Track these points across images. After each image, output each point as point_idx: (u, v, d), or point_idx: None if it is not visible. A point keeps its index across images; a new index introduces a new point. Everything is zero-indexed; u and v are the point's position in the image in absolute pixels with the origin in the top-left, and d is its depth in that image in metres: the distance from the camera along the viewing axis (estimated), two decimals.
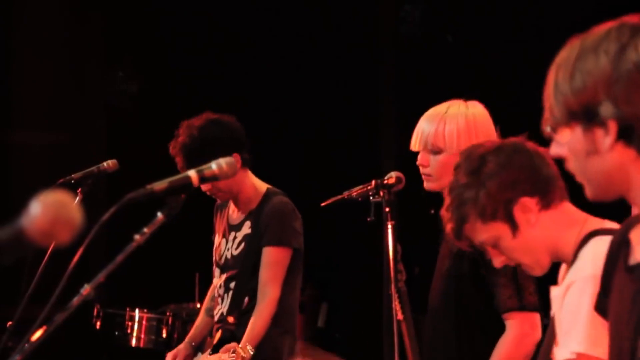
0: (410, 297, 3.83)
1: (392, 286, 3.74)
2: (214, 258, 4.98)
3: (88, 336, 7.17)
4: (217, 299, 4.89)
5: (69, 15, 7.99)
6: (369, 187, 3.87)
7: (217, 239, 4.95)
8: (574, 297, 2.54)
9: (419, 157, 3.75)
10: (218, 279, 4.90)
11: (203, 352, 4.91)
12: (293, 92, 8.52)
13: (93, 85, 7.91)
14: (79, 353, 7.69)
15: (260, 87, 8.40)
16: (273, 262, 4.72)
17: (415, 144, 3.78)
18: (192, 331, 5.03)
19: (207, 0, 8.45)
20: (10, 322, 3.93)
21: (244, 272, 4.76)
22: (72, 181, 4.52)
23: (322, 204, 4.07)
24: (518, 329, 3.55)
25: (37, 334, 2.26)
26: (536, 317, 3.59)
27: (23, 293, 3.96)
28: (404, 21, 8.56)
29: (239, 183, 4.76)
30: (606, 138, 1.95)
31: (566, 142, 2.03)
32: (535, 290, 3.59)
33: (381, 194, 3.83)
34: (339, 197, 3.99)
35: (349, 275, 8.17)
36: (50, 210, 1.60)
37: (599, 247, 2.57)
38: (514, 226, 2.72)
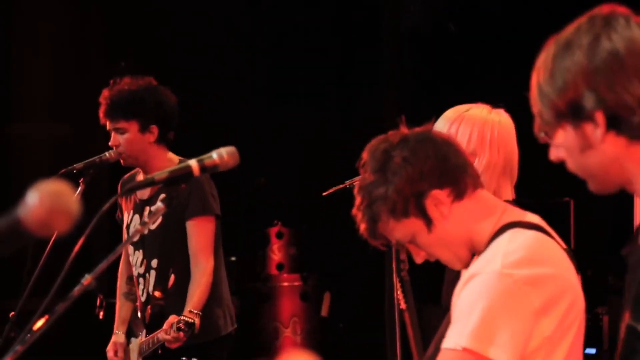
0: (413, 286, 3.83)
1: (395, 275, 3.74)
2: (124, 236, 4.95)
3: (91, 326, 7.18)
4: (136, 278, 4.84)
5: (70, 8, 7.98)
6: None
7: (127, 216, 4.89)
8: (475, 288, 2.44)
9: None
10: (133, 257, 4.85)
11: (136, 335, 4.88)
12: (295, 84, 8.51)
13: (94, 76, 7.90)
14: (82, 343, 7.69)
15: (261, 81, 8.41)
16: (201, 232, 4.69)
17: None
18: (117, 319, 4.98)
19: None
20: (12, 313, 3.93)
21: (167, 247, 4.73)
22: (74, 171, 4.54)
23: (324, 193, 4.07)
24: None
25: (39, 324, 2.26)
26: None
27: (25, 284, 3.96)
28: (406, 11, 8.54)
29: (148, 153, 4.72)
30: (596, 130, 1.96)
31: (561, 143, 2.03)
32: None
33: None
34: (341, 186, 3.99)
35: (352, 265, 8.16)
36: (47, 200, 1.60)
37: (513, 242, 2.51)
38: (427, 221, 2.60)
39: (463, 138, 3.56)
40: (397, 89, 8.48)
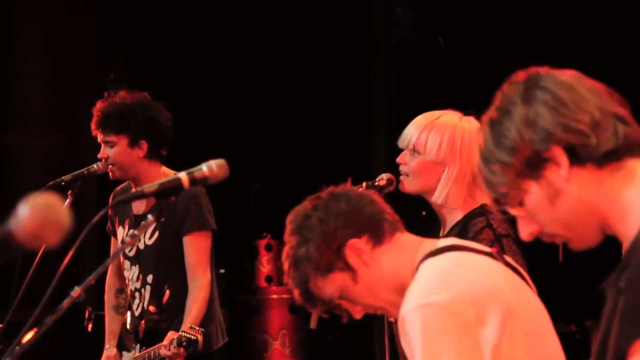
0: None
1: None
2: (112, 249, 4.95)
3: (80, 339, 7.16)
4: (132, 293, 4.82)
5: (64, 19, 7.97)
6: (359, 189, 3.86)
7: (123, 231, 4.88)
8: (407, 328, 2.50)
9: (400, 155, 3.70)
10: (130, 272, 4.83)
11: (128, 350, 4.85)
12: (285, 93, 8.52)
13: (87, 87, 7.89)
14: (71, 356, 7.67)
15: (253, 88, 8.41)
16: (198, 247, 4.68)
17: (400, 142, 3.74)
18: (107, 334, 4.96)
19: (202, 1, 8.45)
20: (1, 325, 3.92)
21: (162, 262, 4.72)
22: (62, 183, 4.54)
23: None
24: None
25: (28, 336, 2.26)
26: None
27: (14, 296, 3.95)
28: (395, 24, 8.56)
29: (138, 168, 4.70)
30: (560, 170, 1.95)
31: (527, 211, 2.01)
32: None
33: None
34: None
35: None
36: (38, 213, 1.60)
37: (425, 273, 2.56)
38: (352, 271, 2.67)
39: (433, 145, 3.61)
40: (387, 101, 8.49)
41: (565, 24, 7.37)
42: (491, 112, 2.04)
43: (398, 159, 3.71)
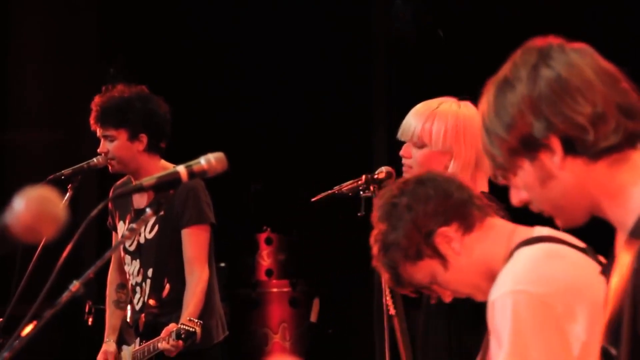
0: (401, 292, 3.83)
1: (383, 281, 3.74)
2: (114, 243, 4.95)
3: (80, 333, 7.17)
4: (133, 287, 4.83)
5: (63, 13, 7.97)
6: (359, 182, 3.86)
7: (123, 225, 4.88)
8: (496, 314, 2.47)
9: (403, 148, 3.69)
10: (130, 266, 4.84)
11: (128, 344, 4.85)
12: (285, 88, 8.52)
13: (87, 83, 7.89)
14: (71, 349, 7.68)
15: (252, 84, 8.40)
16: (196, 240, 4.68)
17: (401, 134, 3.74)
18: (107, 328, 4.95)
19: (202, 1, 8.45)
20: (0, 319, 3.92)
21: (162, 256, 4.72)
22: (62, 177, 4.54)
23: (313, 199, 4.07)
24: None
25: (27, 330, 2.26)
26: None
27: (13, 290, 3.95)
28: (395, 19, 8.55)
29: (138, 162, 4.70)
30: (554, 158, 1.95)
31: (520, 182, 2.01)
32: None
33: (372, 188, 3.83)
34: (330, 192, 3.99)
35: (342, 271, 8.17)
36: (34, 206, 1.60)
37: (520, 260, 2.54)
38: (442, 259, 2.68)
39: (439, 135, 3.61)
40: (387, 97, 8.48)
41: (565, 23, 7.37)
42: (499, 79, 2.02)
43: (402, 152, 3.69)
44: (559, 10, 7.45)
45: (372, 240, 2.76)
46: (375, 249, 2.74)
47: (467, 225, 2.67)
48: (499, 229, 2.70)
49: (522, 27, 7.59)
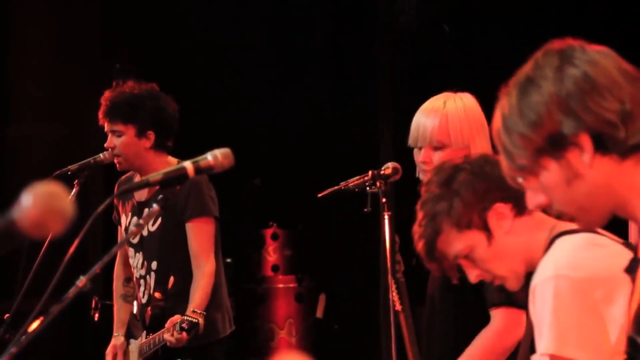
0: (408, 288, 3.83)
1: (389, 277, 3.74)
2: (120, 238, 4.97)
3: (86, 328, 7.18)
4: (137, 280, 4.84)
5: (66, 9, 7.97)
6: (365, 178, 3.86)
7: (125, 218, 4.89)
8: (538, 298, 2.52)
9: (423, 154, 3.68)
10: (134, 259, 4.84)
11: (135, 337, 4.86)
12: (290, 83, 8.51)
13: (90, 78, 7.90)
14: (77, 345, 7.69)
15: (253, 88, 8.41)
16: (200, 233, 4.69)
17: (416, 140, 3.72)
18: (116, 322, 4.96)
19: (202, 1, 8.45)
20: (7, 315, 3.93)
21: (166, 249, 4.73)
22: (69, 173, 4.55)
23: (319, 195, 4.06)
24: (502, 322, 3.50)
25: (34, 326, 2.26)
26: (522, 315, 3.54)
27: (20, 286, 3.96)
28: (400, 11, 8.54)
29: (144, 158, 4.70)
30: (583, 155, 1.93)
31: (540, 186, 2.00)
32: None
33: (378, 184, 3.82)
34: (336, 187, 3.99)
35: (347, 266, 8.16)
36: (41, 202, 1.60)
37: (561, 247, 2.59)
38: (488, 234, 2.72)
39: (457, 133, 3.65)
40: (393, 91, 8.47)
41: (567, 22, 7.36)
42: (520, 80, 2.01)
43: (422, 158, 3.68)
44: (565, 4, 7.44)
45: (418, 205, 2.78)
46: (420, 214, 2.77)
47: (520, 208, 2.71)
48: (544, 220, 2.74)
49: (527, 21, 7.59)
